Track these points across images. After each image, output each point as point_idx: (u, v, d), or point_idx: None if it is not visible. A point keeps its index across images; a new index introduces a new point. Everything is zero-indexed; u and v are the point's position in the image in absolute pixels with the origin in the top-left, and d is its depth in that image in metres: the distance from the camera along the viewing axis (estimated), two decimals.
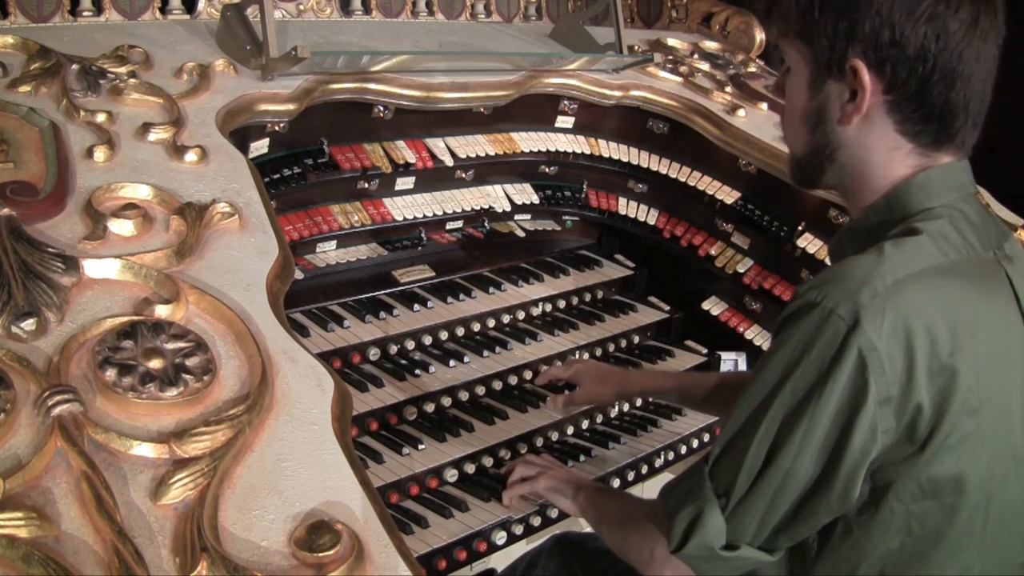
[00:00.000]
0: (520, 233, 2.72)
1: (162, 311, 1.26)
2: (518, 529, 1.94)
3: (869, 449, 1.18)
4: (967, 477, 1.22)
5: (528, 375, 2.36)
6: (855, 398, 1.17)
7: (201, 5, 2.25)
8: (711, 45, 3.22)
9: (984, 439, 1.22)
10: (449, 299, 2.39)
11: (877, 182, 1.34)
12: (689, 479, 1.34)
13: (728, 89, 2.81)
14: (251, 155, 1.99)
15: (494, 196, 2.61)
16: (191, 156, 1.60)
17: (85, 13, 2.09)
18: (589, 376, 2.15)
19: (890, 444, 1.19)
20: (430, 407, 2.15)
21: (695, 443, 2.43)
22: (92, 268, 1.30)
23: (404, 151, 2.35)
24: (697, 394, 2.03)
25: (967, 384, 1.19)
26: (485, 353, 2.32)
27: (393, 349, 2.22)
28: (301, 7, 2.44)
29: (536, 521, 1.98)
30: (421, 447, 2.02)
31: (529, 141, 2.62)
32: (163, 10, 2.21)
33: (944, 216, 1.27)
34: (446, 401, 2.19)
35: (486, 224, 2.64)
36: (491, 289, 2.50)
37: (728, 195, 2.67)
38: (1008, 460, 1.26)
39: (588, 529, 2.56)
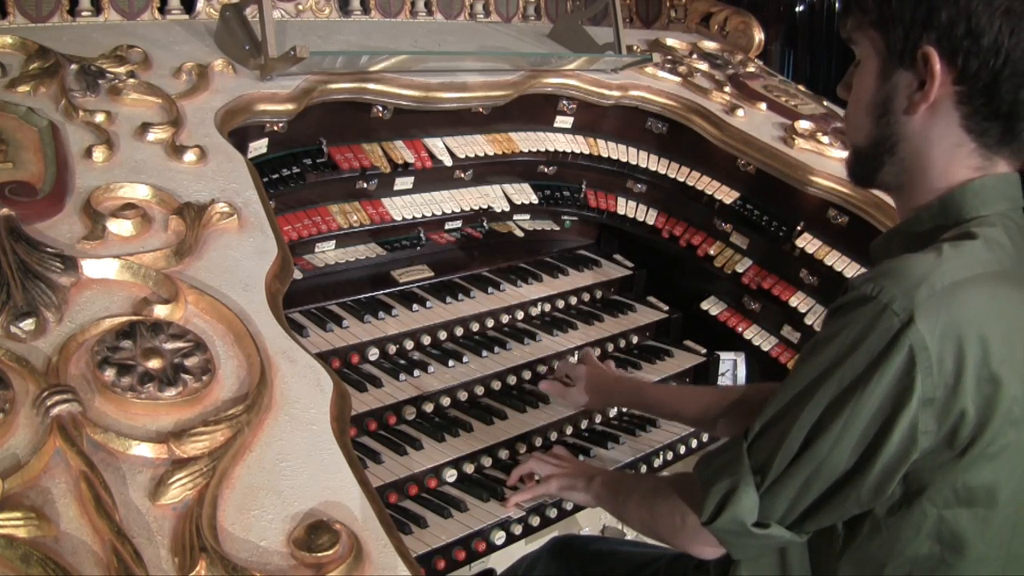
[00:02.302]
0: (519, 233, 2.72)
1: (161, 311, 1.26)
2: (517, 529, 1.95)
3: (908, 449, 1.18)
4: (1001, 488, 1.22)
5: (527, 375, 2.36)
6: (900, 395, 1.16)
7: (200, 5, 2.25)
8: (710, 45, 3.22)
9: (1022, 452, 1.22)
10: (448, 299, 2.39)
11: (934, 182, 1.33)
12: (727, 452, 1.34)
13: (727, 89, 2.81)
14: (250, 155, 1.99)
15: (493, 196, 2.61)
16: (190, 156, 1.60)
17: (84, 13, 2.09)
18: (586, 380, 2.15)
19: (929, 447, 1.19)
20: (429, 407, 2.15)
21: (694, 443, 2.43)
22: (91, 268, 1.30)
23: (403, 151, 2.35)
24: (688, 411, 2.02)
25: (1013, 394, 1.18)
26: (484, 353, 2.32)
27: (392, 349, 2.22)
28: (300, 7, 2.44)
29: (535, 521, 1.98)
30: (420, 447, 2.02)
31: (528, 141, 2.61)
32: (162, 10, 2.21)
33: (998, 224, 1.27)
34: (445, 401, 2.19)
35: (485, 224, 2.64)
36: (490, 289, 2.50)
37: (727, 195, 2.67)
38: None
39: (588, 531, 2.57)
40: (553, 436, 2.26)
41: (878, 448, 1.19)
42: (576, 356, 2.44)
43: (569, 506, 2.04)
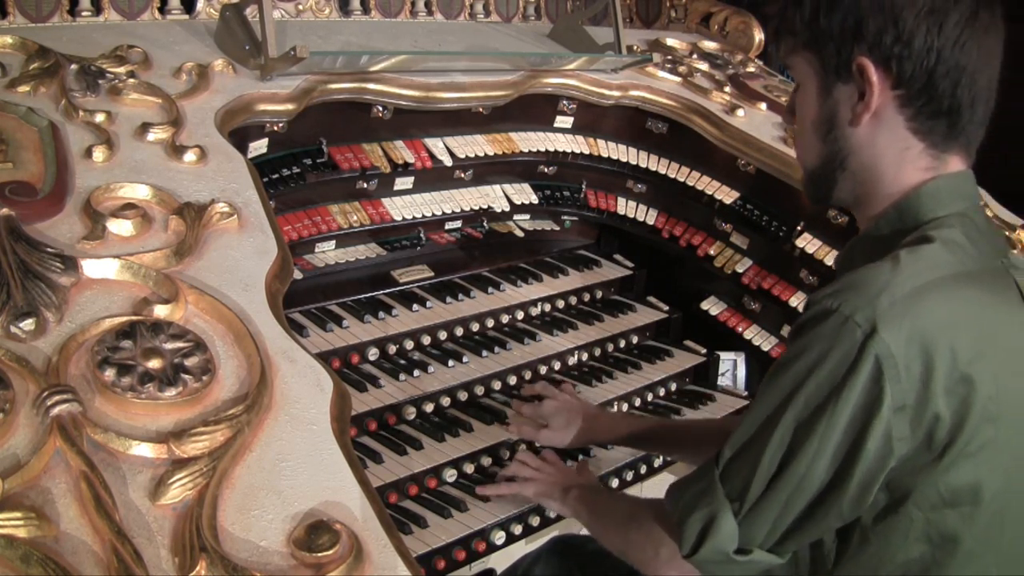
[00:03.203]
0: (519, 233, 2.72)
1: (161, 311, 1.26)
2: (517, 529, 1.95)
3: (884, 456, 1.18)
4: (984, 485, 1.22)
5: (527, 375, 2.36)
6: (870, 405, 1.16)
7: (200, 5, 2.25)
8: (710, 45, 3.22)
9: (1002, 447, 1.22)
10: (448, 299, 2.39)
11: (887, 188, 1.34)
12: (699, 481, 1.33)
13: (727, 89, 2.81)
14: (250, 155, 1.99)
15: (493, 196, 2.61)
16: (190, 156, 1.60)
17: (84, 13, 2.09)
18: (558, 417, 2.08)
19: (907, 453, 1.19)
20: (429, 407, 2.15)
21: None
22: (91, 268, 1.30)
23: (403, 151, 2.35)
24: (670, 441, 2.02)
25: (987, 393, 1.19)
26: (484, 353, 2.32)
27: (392, 349, 2.22)
28: (300, 7, 2.44)
29: (535, 521, 1.98)
30: (420, 447, 2.02)
31: (528, 141, 2.61)
32: (162, 10, 2.21)
33: (956, 224, 1.28)
34: (445, 401, 2.19)
35: (485, 224, 2.64)
36: (490, 289, 2.50)
37: (727, 195, 2.67)
38: None
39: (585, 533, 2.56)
40: None
41: (854, 460, 1.19)
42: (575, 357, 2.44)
43: None
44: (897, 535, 1.24)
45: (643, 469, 2.28)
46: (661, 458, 2.33)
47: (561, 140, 2.69)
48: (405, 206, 2.42)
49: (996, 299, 1.27)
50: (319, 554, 1.02)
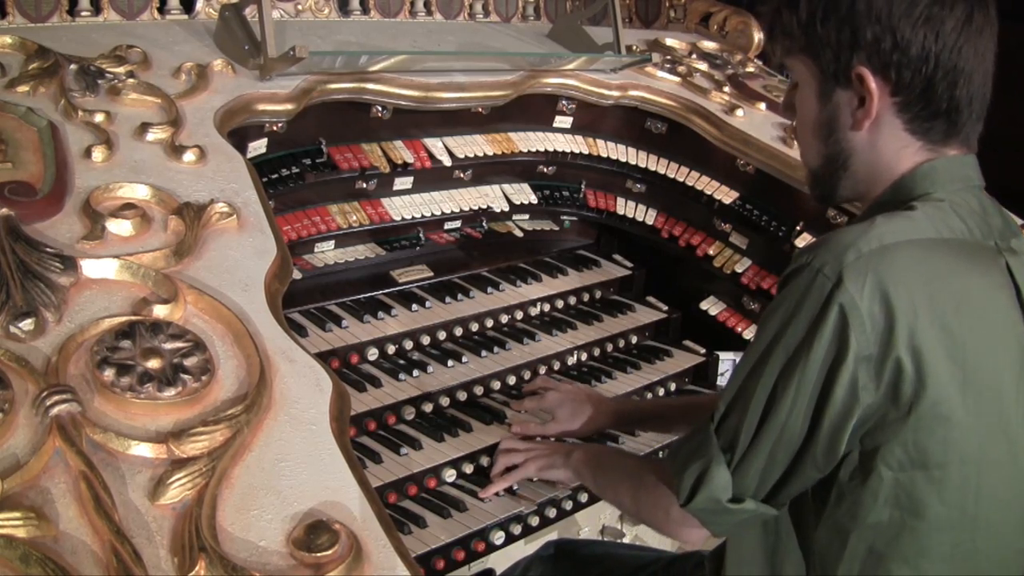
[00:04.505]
0: (518, 233, 2.72)
1: (160, 311, 1.26)
2: (516, 529, 1.95)
3: (851, 405, 1.22)
4: (954, 449, 1.24)
5: (527, 375, 2.36)
6: (837, 354, 1.21)
7: (199, 5, 2.25)
8: (709, 45, 3.22)
9: (973, 416, 1.24)
10: (447, 299, 2.39)
11: (885, 178, 1.37)
12: (696, 436, 1.38)
13: (726, 89, 2.81)
14: (249, 155, 1.99)
15: (492, 196, 2.61)
16: (189, 156, 1.60)
17: (83, 13, 2.09)
18: (563, 407, 2.09)
19: (873, 404, 1.22)
20: (428, 407, 2.15)
21: None
22: (90, 268, 1.30)
23: (402, 151, 2.35)
24: (673, 416, 2.03)
25: (948, 353, 1.22)
26: (483, 353, 2.32)
27: (391, 349, 2.22)
28: (299, 7, 2.44)
29: (534, 521, 1.98)
30: (419, 447, 2.02)
31: (527, 141, 2.61)
32: (161, 10, 2.21)
33: (946, 200, 1.31)
34: (444, 401, 2.19)
35: (484, 224, 2.64)
36: (489, 289, 2.50)
37: (726, 195, 2.67)
38: (1001, 442, 1.28)
39: (587, 531, 2.57)
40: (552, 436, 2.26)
41: (823, 408, 1.23)
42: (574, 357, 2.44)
43: (568, 506, 2.04)
44: (867, 495, 1.27)
45: None
46: (661, 457, 2.33)
47: (560, 140, 2.69)
48: (404, 206, 2.42)
49: (970, 268, 1.29)
50: (318, 554, 1.01)
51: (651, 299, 2.82)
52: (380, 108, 2.25)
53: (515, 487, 1.97)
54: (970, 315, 1.25)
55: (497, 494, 1.97)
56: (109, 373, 1.14)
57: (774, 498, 1.32)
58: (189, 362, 1.20)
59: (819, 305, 1.22)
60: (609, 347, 2.60)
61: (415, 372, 2.16)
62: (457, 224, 2.59)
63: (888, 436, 1.23)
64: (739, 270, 2.68)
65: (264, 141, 2.07)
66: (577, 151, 2.71)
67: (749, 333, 2.68)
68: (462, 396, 2.21)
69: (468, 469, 2.05)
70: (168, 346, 1.20)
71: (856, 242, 1.23)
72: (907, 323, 1.20)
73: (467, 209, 2.53)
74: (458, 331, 2.36)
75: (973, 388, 1.24)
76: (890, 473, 1.25)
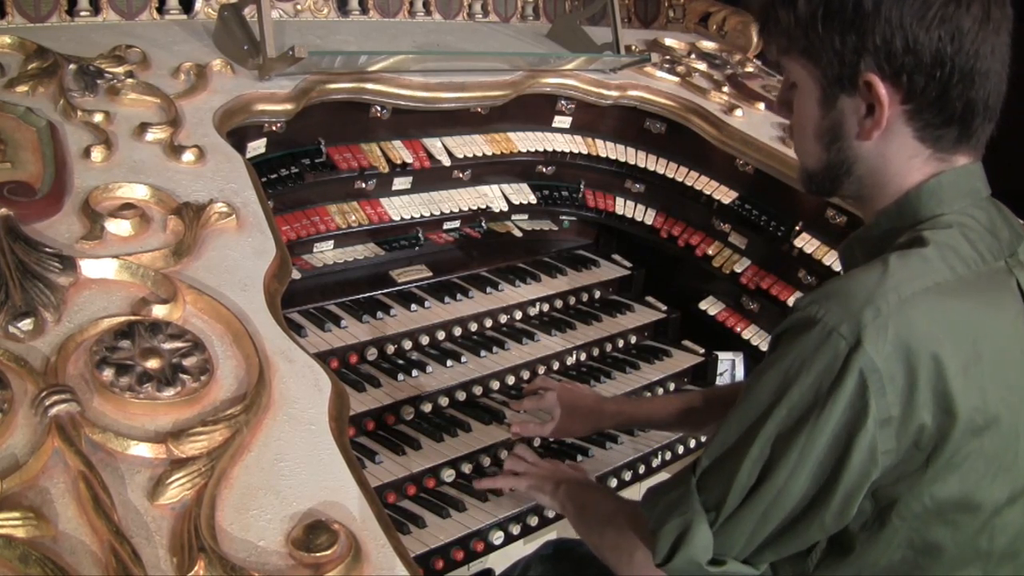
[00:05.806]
0: (517, 233, 2.72)
1: (159, 311, 1.26)
2: (515, 529, 1.95)
3: (868, 470, 1.16)
4: (972, 495, 1.20)
5: (526, 375, 2.36)
6: (855, 419, 1.14)
7: (198, 5, 2.25)
8: (708, 45, 3.22)
9: (990, 458, 1.20)
10: (446, 299, 2.39)
11: (892, 188, 1.30)
12: (675, 489, 1.31)
13: (725, 89, 2.81)
14: (248, 155, 1.99)
15: (491, 196, 2.61)
16: (188, 156, 1.60)
17: (82, 13, 2.09)
18: (561, 406, 2.07)
19: (892, 464, 1.17)
20: (427, 407, 2.15)
21: (692, 443, 2.43)
22: (89, 268, 1.30)
23: (401, 151, 2.35)
24: (672, 417, 2.01)
25: (972, 405, 1.16)
26: (482, 353, 2.32)
27: (390, 349, 2.22)
28: (298, 7, 2.44)
29: (533, 521, 1.98)
30: (418, 447, 2.02)
31: (526, 141, 2.62)
32: (160, 10, 2.21)
33: (954, 224, 1.23)
34: (443, 401, 2.19)
35: (483, 224, 2.64)
36: (488, 289, 2.50)
37: (725, 195, 2.67)
38: (1019, 478, 1.24)
39: None
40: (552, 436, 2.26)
41: (839, 474, 1.16)
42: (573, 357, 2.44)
43: None
44: (880, 543, 1.23)
45: (641, 469, 2.28)
46: (660, 458, 2.34)
47: (559, 140, 2.69)
48: (403, 206, 2.42)
49: (988, 308, 1.22)
50: (317, 554, 1.01)
51: (650, 299, 2.82)
52: (379, 108, 2.25)
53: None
54: (990, 361, 1.18)
55: (494, 493, 1.97)
56: (108, 373, 1.14)
57: (758, 557, 1.26)
58: (188, 362, 1.20)
59: (834, 368, 1.13)
60: (608, 347, 2.60)
61: (414, 372, 2.16)
62: (456, 224, 2.59)
63: (904, 491, 1.19)
64: (738, 270, 2.68)
65: (263, 141, 2.07)
66: (576, 151, 2.71)
67: (748, 333, 2.68)
68: (461, 396, 2.21)
69: (467, 469, 2.05)
70: (167, 346, 1.20)
71: (873, 298, 1.14)
72: (930, 382, 1.13)
73: (466, 209, 2.54)
74: (457, 331, 2.37)
75: (991, 431, 1.19)
76: (905, 523, 1.21)
